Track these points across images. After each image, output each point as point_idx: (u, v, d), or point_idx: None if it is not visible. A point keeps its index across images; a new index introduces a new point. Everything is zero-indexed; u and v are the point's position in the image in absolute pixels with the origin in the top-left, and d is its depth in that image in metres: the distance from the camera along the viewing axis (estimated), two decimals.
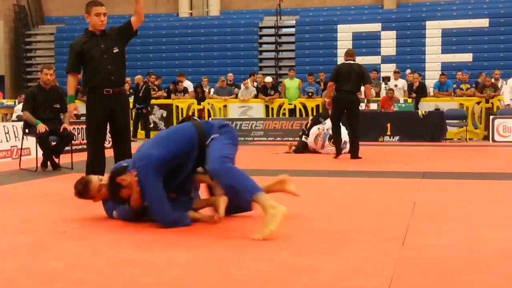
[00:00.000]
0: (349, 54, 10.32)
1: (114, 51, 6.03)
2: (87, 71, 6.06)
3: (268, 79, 17.12)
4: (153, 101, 17.04)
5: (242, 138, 15.58)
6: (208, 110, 16.86)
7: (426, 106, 15.91)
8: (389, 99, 15.68)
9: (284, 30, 22.95)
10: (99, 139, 6.16)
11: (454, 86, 16.57)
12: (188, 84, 17.88)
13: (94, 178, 4.57)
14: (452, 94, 16.39)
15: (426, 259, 3.42)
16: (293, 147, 11.57)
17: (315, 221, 4.59)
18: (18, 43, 24.57)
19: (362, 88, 11.14)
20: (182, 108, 16.85)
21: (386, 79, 17.15)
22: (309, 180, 7.39)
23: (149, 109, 16.51)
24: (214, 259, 3.47)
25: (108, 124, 6.15)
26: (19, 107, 13.79)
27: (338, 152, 10.21)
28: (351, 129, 10.27)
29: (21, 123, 9.56)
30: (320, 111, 14.93)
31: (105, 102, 5.99)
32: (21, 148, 9.22)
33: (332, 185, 6.92)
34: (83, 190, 4.55)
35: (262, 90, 16.81)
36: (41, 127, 8.30)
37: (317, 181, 7.31)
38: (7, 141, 10.35)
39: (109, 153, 6.18)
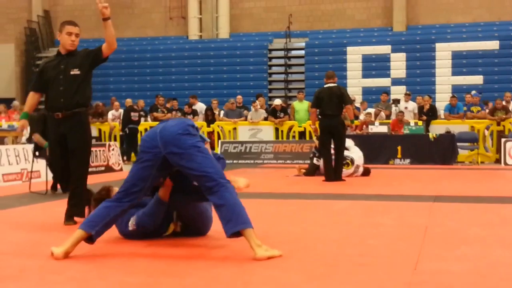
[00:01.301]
0: (328, 77, 10.43)
1: (72, 72, 5.68)
2: (46, 93, 5.78)
3: (278, 101, 17.12)
4: None
5: (252, 161, 15.56)
6: (218, 132, 16.87)
7: (437, 128, 15.84)
8: (399, 121, 15.64)
9: (294, 53, 23.04)
10: (58, 162, 5.84)
11: (465, 108, 16.51)
12: (200, 106, 17.94)
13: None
14: (463, 117, 16.32)
15: (439, 285, 3.36)
16: (303, 170, 11.51)
17: (326, 245, 4.54)
18: (29, 65, 24.79)
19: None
20: None
21: (396, 101, 17.11)
22: (320, 203, 7.34)
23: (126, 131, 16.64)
24: (222, 282, 3.43)
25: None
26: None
27: (328, 176, 10.14)
28: (335, 151, 10.25)
29: (31, 146, 9.58)
30: None
31: (55, 126, 5.71)
32: (31, 171, 9.23)
33: (342, 208, 6.86)
34: (105, 196, 4.60)
35: (272, 113, 16.81)
36: None
37: (328, 204, 7.26)
38: (17, 163, 10.37)
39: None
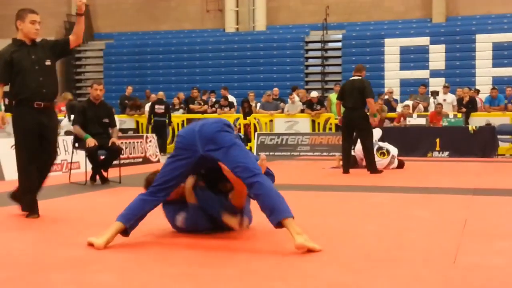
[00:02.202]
0: (356, 70, 10.48)
1: (46, 63, 5.67)
2: (16, 83, 5.60)
3: (314, 94, 17.08)
4: (198, 116, 17.21)
5: (288, 153, 15.55)
6: (254, 124, 16.89)
7: (477, 121, 15.59)
8: (437, 114, 15.43)
9: (331, 45, 22.90)
10: (29, 156, 5.62)
11: (506, 101, 16.20)
12: (231, 98, 17.98)
13: None
14: (504, 109, 16.02)
15: (478, 279, 3.32)
16: (341, 162, 11.45)
17: (362, 238, 4.51)
18: (69, 59, 25.11)
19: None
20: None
21: (435, 94, 16.88)
22: (357, 195, 7.30)
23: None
24: (260, 275, 3.44)
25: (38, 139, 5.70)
26: (65, 122, 14.08)
27: (346, 169, 10.17)
28: (361, 145, 10.30)
29: (71, 138, 9.74)
30: None
31: (35, 116, 5.58)
32: (71, 162, 9.39)
33: (380, 201, 6.81)
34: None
35: (308, 105, 16.77)
36: (91, 142, 8.42)
37: (365, 196, 7.21)
38: (57, 155, 10.53)
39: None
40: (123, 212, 4.27)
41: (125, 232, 4.24)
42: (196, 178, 4.54)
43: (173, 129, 17.10)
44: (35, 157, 5.65)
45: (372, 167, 10.11)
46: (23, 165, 5.63)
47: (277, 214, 3.97)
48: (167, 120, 16.65)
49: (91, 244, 4.13)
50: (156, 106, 16.78)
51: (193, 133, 4.27)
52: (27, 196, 5.67)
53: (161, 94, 17.39)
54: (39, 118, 5.61)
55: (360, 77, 10.29)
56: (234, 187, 4.39)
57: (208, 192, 4.54)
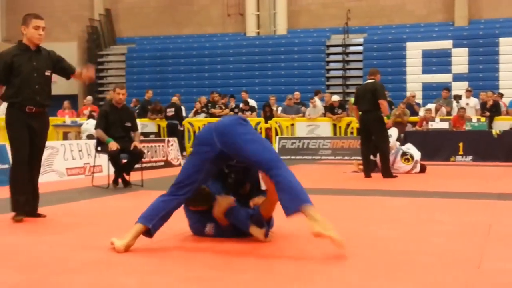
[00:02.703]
0: (370, 73, 10.51)
1: (46, 73, 5.74)
2: (12, 85, 5.62)
3: (335, 98, 17.03)
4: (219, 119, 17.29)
5: (309, 157, 15.51)
6: (276, 129, 16.87)
7: (500, 125, 15.41)
8: (460, 118, 15.28)
9: (352, 49, 22.81)
10: (21, 158, 5.65)
11: None
12: (252, 102, 17.98)
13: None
14: None
15: (503, 285, 3.27)
16: (360, 166, 11.39)
17: (385, 242, 4.47)
18: (91, 63, 25.24)
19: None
20: None
21: (458, 97, 16.73)
22: (378, 199, 7.25)
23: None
24: (282, 279, 3.42)
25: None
26: (85, 126, 14.18)
27: (367, 173, 10.16)
28: (377, 148, 10.29)
29: (94, 141, 9.80)
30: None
31: (26, 119, 5.63)
32: (94, 166, 9.45)
33: (402, 205, 6.75)
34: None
35: (330, 109, 16.72)
36: (113, 145, 8.46)
37: (386, 201, 7.16)
38: (80, 158, 10.64)
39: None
40: (143, 213, 4.27)
41: (148, 233, 4.23)
42: (229, 202, 4.48)
43: (194, 132, 17.22)
44: (26, 159, 5.66)
45: (386, 172, 10.04)
46: (14, 165, 5.72)
47: (296, 202, 3.95)
48: (178, 123, 16.92)
49: (112, 244, 4.14)
50: (168, 109, 17.14)
51: (209, 129, 4.31)
52: (15, 197, 5.65)
53: (174, 98, 17.74)
54: (30, 122, 5.65)
55: (373, 80, 10.29)
56: (267, 196, 4.37)
57: (238, 209, 4.47)
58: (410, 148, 11.20)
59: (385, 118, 10.58)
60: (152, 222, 4.19)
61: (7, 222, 5.54)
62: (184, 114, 18.21)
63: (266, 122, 17.00)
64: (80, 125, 15.99)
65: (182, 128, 17.08)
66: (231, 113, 17.68)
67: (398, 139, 11.73)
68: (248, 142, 4.17)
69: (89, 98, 19.50)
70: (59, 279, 3.44)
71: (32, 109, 5.65)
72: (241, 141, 4.17)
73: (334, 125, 16.55)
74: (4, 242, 4.64)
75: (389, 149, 10.34)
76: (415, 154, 11.03)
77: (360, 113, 10.38)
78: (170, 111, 17.07)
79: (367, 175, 10.12)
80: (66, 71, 5.97)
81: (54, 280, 3.43)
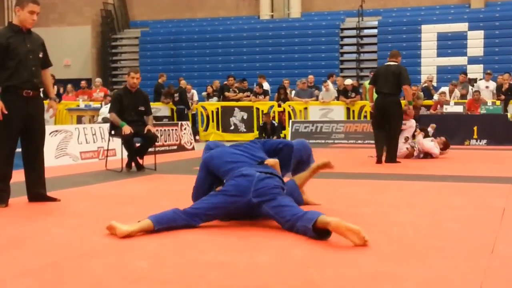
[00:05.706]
0: (391, 55, 10.09)
1: (40, 55, 5.71)
2: (7, 68, 5.50)
3: (349, 81, 16.93)
4: (234, 103, 17.29)
5: (323, 141, 15.48)
6: (289, 112, 16.84)
7: None
8: (475, 101, 15.17)
9: (366, 31, 22.65)
10: (10, 146, 5.57)
11: None
12: (266, 86, 17.93)
13: None
14: None
15: None
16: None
17: (399, 227, 4.46)
18: (105, 47, 25.39)
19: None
20: (262, 110, 16.91)
21: (473, 81, 16.58)
22: (394, 184, 7.23)
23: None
24: (296, 262, 3.43)
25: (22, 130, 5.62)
26: (104, 110, 14.23)
27: (379, 158, 9.78)
28: (388, 132, 9.83)
29: (107, 125, 9.84)
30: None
31: (23, 104, 5.54)
32: (107, 149, 9.49)
33: (416, 189, 6.73)
34: None
35: (343, 93, 16.65)
36: (127, 129, 8.49)
37: (402, 185, 7.14)
38: (94, 142, 10.69)
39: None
40: (156, 214, 4.31)
41: (150, 232, 4.27)
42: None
43: (207, 116, 17.28)
44: (14, 147, 5.60)
45: (391, 156, 9.74)
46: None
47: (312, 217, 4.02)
48: (185, 108, 17.15)
49: (112, 228, 4.16)
50: (175, 95, 17.43)
51: (249, 185, 4.39)
52: None
53: (182, 82, 18.08)
54: (27, 107, 5.57)
55: (397, 63, 9.97)
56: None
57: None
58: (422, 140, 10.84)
59: (406, 103, 10.25)
60: (159, 226, 4.24)
61: (22, 205, 5.60)
62: (196, 98, 18.25)
63: (279, 106, 16.95)
64: (94, 109, 16.07)
65: (187, 112, 17.16)
66: (245, 95, 17.65)
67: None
68: (283, 209, 4.30)
69: (98, 80, 19.46)
70: (76, 263, 3.48)
71: (30, 93, 5.59)
72: (279, 207, 4.33)
73: (348, 109, 16.49)
74: (19, 227, 4.68)
75: (399, 134, 10.08)
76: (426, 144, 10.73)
77: (375, 95, 10.07)
78: (176, 96, 17.38)
79: (380, 160, 9.80)
80: (46, 62, 5.90)
81: (71, 263, 3.47)
